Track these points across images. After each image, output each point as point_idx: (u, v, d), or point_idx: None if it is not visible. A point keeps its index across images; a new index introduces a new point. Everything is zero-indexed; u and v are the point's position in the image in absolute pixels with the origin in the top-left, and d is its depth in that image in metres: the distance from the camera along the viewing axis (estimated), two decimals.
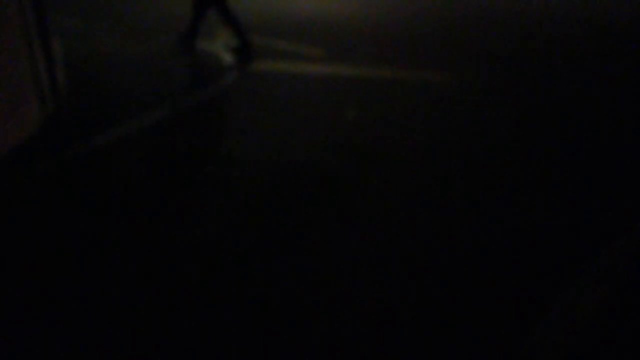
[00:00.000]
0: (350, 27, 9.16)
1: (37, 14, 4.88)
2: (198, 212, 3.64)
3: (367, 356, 2.43)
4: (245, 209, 3.69)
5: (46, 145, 4.60)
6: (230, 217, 3.59)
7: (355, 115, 5.32)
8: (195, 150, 4.58)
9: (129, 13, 10.69)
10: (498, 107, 5.62)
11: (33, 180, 4.06)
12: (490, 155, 4.52)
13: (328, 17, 10.02)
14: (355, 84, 6.35)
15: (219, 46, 7.84)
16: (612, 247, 3.23)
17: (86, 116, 5.28)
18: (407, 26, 9.28)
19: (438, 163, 4.37)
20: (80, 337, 2.53)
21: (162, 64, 7.09)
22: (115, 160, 4.40)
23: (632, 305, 2.74)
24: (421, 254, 3.20)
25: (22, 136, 4.60)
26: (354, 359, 2.41)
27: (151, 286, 2.91)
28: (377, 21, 9.73)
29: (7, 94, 4.43)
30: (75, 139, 4.68)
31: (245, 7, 11.22)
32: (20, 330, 2.56)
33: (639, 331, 2.56)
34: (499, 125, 5.15)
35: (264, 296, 2.83)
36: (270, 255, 3.19)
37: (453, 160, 4.42)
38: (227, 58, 7.16)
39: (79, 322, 2.63)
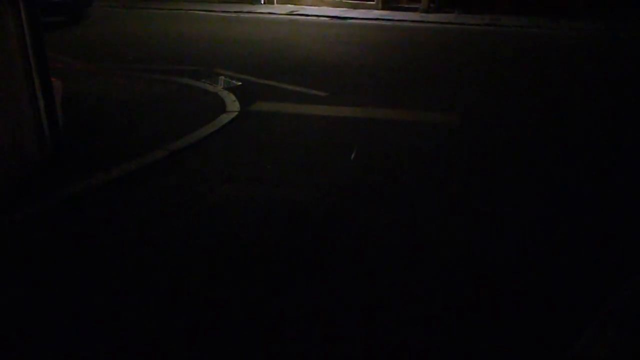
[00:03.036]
0: (352, 70, 9.21)
1: (38, 55, 4.87)
2: (192, 256, 3.54)
3: None
4: (244, 251, 3.58)
5: (43, 185, 4.52)
6: (227, 259, 3.49)
7: (357, 156, 5.26)
8: (192, 192, 4.51)
9: (132, 54, 10.79)
10: (501, 151, 5.57)
11: (27, 222, 3.97)
12: (493, 210, 4.44)
13: (330, 59, 10.09)
14: (357, 124, 6.33)
15: (220, 86, 7.86)
16: (624, 290, 3.11)
17: (84, 156, 5.23)
18: (410, 69, 9.33)
19: (441, 204, 4.28)
20: None
21: (162, 104, 7.09)
22: (111, 203, 4.32)
23: None
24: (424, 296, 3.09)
25: (21, 175, 4.53)
26: None
27: (142, 336, 2.80)
28: (379, 64, 9.79)
29: (7, 133, 4.38)
30: (72, 179, 4.61)
31: (249, 48, 11.34)
32: None
33: None
34: (502, 172, 5.09)
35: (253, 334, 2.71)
36: (269, 295, 3.08)
37: (455, 205, 4.34)
38: (229, 98, 7.16)
39: None
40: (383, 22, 15.55)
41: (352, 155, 5.26)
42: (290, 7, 18.65)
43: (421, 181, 4.72)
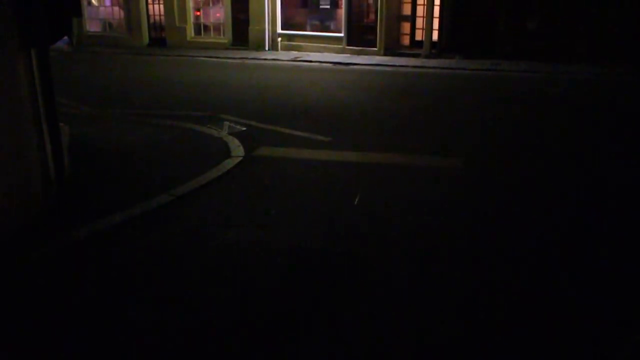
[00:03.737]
0: (355, 114, 9.32)
1: (47, 101, 4.96)
2: (197, 302, 3.52)
3: None
4: (249, 298, 3.56)
5: (48, 229, 4.54)
6: (231, 306, 3.46)
7: (360, 201, 5.27)
8: (196, 237, 4.51)
9: (138, 99, 10.95)
10: (505, 198, 5.57)
11: (30, 266, 3.96)
12: (497, 258, 4.42)
13: (333, 104, 10.22)
14: (360, 169, 6.36)
15: (224, 131, 7.94)
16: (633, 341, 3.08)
17: (89, 201, 5.25)
18: (412, 113, 9.43)
19: (445, 251, 4.26)
20: None
21: (167, 149, 7.15)
22: (115, 248, 4.32)
23: None
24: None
25: (26, 219, 4.55)
26: None
27: None
28: (382, 109, 9.91)
29: (14, 177, 4.42)
30: (76, 224, 4.62)
31: (253, 94, 11.50)
32: None
33: None
34: (507, 220, 5.08)
35: None
36: (276, 341, 3.04)
37: (459, 254, 4.32)
38: (233, 143, 7.22)
39: None
40: (385, 68, 15.80)
41: (356, 200, 5.27)
42: (294, 54, 19.00)
43: (425, 228, 4.70)
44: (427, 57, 16.97)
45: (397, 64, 16.17)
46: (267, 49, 20.29)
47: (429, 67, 15.54)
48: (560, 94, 11.65)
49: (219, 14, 22.14)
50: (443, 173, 6.18)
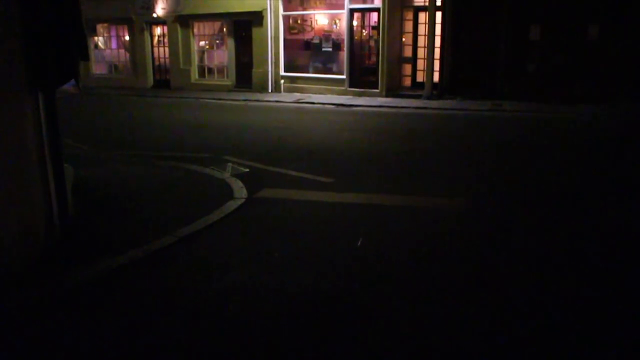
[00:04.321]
0: (357, 156, 9.36)
1: (53, 143, 5.01)
2: (198, 347, 3.47)
3: None
4: (252, 342, 3.52)
5: (51, 271, 4.51)
6: (231, 352, 3.42)
7: (363, 243, 5.25)
8: (199, 280, 4.48)
9: (141, 140, 11.03)
10: (509, 241, 5.55)
11: (32, 309, 3.93)
12: (499, 296, 4.38)
13: (336, 146, 10.28)
14: (363, 211, 6.35)
15: (227, 172, 7.97)
16: None
17: (92, 242, 5.24)
18: (414, 154, 9.47)
19: (447, 296, 4.22)
20: None
21: (170, 190, 7.18)
22: (116, 291, 4.29)
23: None
24: None
25: (29, 260, 4.53)
26: None
27: None
28: (384, 150, 9.96)
29: (17, 218, 4.43)
30: (78, 266, 4.61)
31: (256, 135, 11.59)
32: None
33: None
34: (513, 265, 5.05)
35: None
36: None
37: (463, 298, 4.28)
38: (236, 185, 7.24)
39: None
40: (387, 109, 15.95)
41: (359, 243, 5.25)
42: (297, 96, 19.22)
43: (428, 273, 4.67)
44: (429, 98, 17.14)
45: (399, 105, 16.33)
46: (270, 90, 20.54)
47: (431, 108, 15.68)
48: (561, 134, 11.71)
49: (223, 56, 22.50)
50: (447, 215, 6.16)
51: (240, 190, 6.99)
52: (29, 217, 4.63)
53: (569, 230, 5.63)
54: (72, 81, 5.30)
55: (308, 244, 5.27)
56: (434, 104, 16.28)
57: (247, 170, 8.21)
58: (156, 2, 23.11)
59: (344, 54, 19.09)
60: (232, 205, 6.40)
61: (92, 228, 5.65)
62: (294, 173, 8.02)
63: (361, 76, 19.02)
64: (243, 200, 6.63)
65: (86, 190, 6.89)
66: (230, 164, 8.50)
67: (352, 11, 18.80)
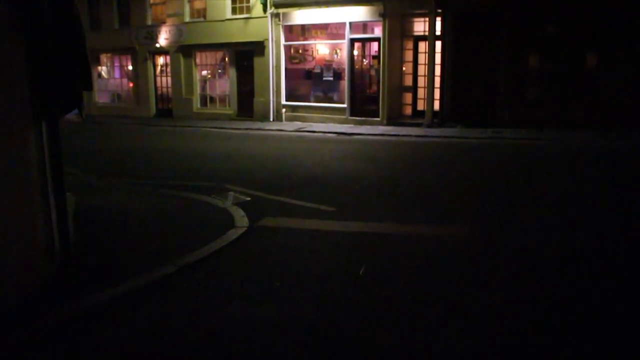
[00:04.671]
0: (359, 184, 9.36)
1: (55, 171, 5.02)
2: None
3: None
4: None
5: (51, 300, 4.49)
6: None
7: (366, 272, 5.23)
8: (200, 309, 4.45)
9: (143, 169, 11.07)
10: (514, 270, 5.52)
11: (32, 338, 3.90)
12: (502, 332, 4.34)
13: (337, 174, 10.30)
14: (365, 239, 6.34)
15: (229, 201, 7.98)
16: None
17: (93, 271, 5.23)
18: (416, 183, 9.47)
19: (449, 329, 4.19)
20: None
21: (172, 219, 7.18)
22: (117, 320, 4.26)
23: None
24: None
25: (29, 289, 4.51)
26: None
27: None
28: (385, 178, 9.98)
29: (18, 247, 4.42)
30: (79, 295, 4.58)
31: (258, 164, 11.62)
32: None
33: None
34: (518, 296, 5.02)
35: None
36: None
37: (466, 329, 4.25)
38: (237, 213, 7.24)
39: None
40: (388, 138, 16.01)
41: (362, 271, 5.23)
42: (298, 124, 19.32)
43: (430, 303, 4.64)
44: (429, 126, 17.22)
45: (400, 133, 16.39)
46: (271, 119, 20.66)
47: (432, 137, 15.74)
48: (561, 161, 11.72)
49: (225, 86, 22.70)
50: (449, 243, 6.14)
51: (241, 219, 6.99)
52: (30, 245, 4.63)
53: (570, 258, 5.60)
54: (76, 110, 5.35)
55: (310, 273, 5.24)
56: (434, 132, 16.34)
57: (249, 198, 8.21)
58: (159, 32, 23.41)
59: (345, 83, 19.25)
60: (233, 234, 6.39)
61: (93, 256, 5.64)
62: (295, 202, 8.02)
63: (362, 105, 19.14)
64: (244, 229, 6.62)
65: (88, 219, 6.89)
66: (231, 193, 8.51)
67: (352, 41, 19.02)
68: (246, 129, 18.85)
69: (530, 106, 16.62)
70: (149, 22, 23.98)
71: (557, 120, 15.90)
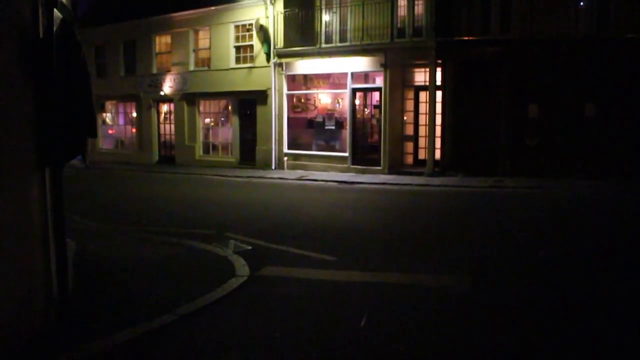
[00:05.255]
0: (360, 233, 9.32)
1: (57, 219, 5.02)
2: None
3: None
4: None
5: (47, 347, 4.41)
6: None
7: (367, 322, 5.15)
8: (199, 359, 4.37)
9: (144, 215, 11.04)
10: (517, 324, 5.44)
11: None
12: None
13: (339, 223, 10.27)
14: (366, 289, 6.26)
15: (230, 250, 7.93)
16: None
17: (91, 319, 5.15)
18: (418, 232, 9.43)
19: None
20: None
21: (171, 267, 7.12)
22: None
23: None
24: None
25: (26, 337, 4.44)
26: None
27: None
28: (387, 227, 9.94)
29: (17, 294, 4.37)
30: (76, 343, 4.51)
31: (259, 212, 11.61)
32: None
33: None
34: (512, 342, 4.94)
35: None
36: None
37: None
38: (238, 262, 7.19)
39: None
40: (390, 187, 16.04)
41: (363, 322, 5.15)
42: (300, 173, 19.39)
43: (432, 356, 4.56)
44: (431, 175, 17.27)
45: (401, 182, 16.43)
46: (273, 167, 20.76)
47: (433, 186, 15.77)
48: (561, 210, 11.70)
49: (227, 133, 22.90)
50: (451, 294, 6.06)
51: (242, 268, 6.93)
52: (29, 293, 4.57)
53: (571, 312, 5.52)
54: (79, 156, 5.38)
55: (310, 323, 5.16)
56: (436, 181, 16.38)
57: (250, 247, 8.16)
58: (164, 80, 23.79)
59: (347, 132, 19.42)
60: (233, 283, 6.32)
61: (91, 304, 5.57)
62: (296, 251, 7.97)
63: (364, 154, 19.27)
64: (245, 278, 6.56)
65: (87, 266, 6.84)
66: (232, 241, 8.47)
67: (354, 90, 19.29)
68: (248, 177, 18.90)
69: (531, 155, 16.73)
70: (154, 71, 24.40)
71: (558, 169, 15.99)
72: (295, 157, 20.57)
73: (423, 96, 18.38)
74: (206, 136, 23.79)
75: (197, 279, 6.53)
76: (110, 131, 27.29)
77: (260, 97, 20.96)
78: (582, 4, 16.50)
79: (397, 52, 18.00)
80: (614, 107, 15.86)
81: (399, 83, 18.62)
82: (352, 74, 19.14)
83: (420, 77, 18.54)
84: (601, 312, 5.47)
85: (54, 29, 4.80)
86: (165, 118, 24.99)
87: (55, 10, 4.83)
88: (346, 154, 19.41)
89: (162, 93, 23.89)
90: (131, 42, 25.08)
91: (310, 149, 20.44)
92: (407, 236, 9.20)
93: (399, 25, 18.47)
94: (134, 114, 25.85)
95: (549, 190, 14.27)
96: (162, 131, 25.04)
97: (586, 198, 13.12)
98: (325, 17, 20.02)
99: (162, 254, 7.72)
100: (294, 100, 21.10)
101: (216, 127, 23.67)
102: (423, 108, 18.39)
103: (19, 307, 4.38)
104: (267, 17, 20.34)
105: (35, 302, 4.68)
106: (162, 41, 24.45)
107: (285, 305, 5.70)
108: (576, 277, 6.72)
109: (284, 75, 20.55)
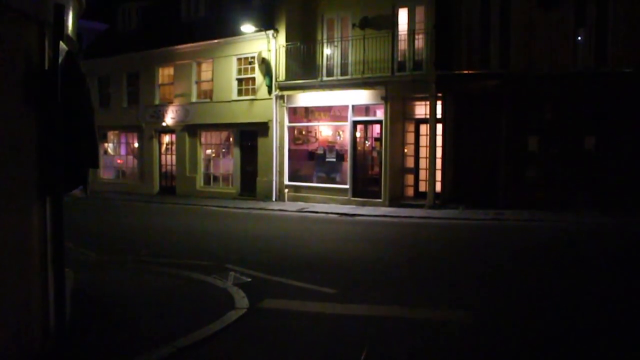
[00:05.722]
0: (361, 266, 9.27)
1: (56, 248, 5.00)
2: None
3: None
4: None
5: None
6: None
7: (366, 357, 5.08)
8: None
9: (144, 246, 11.00)
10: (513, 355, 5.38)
11: None
12: None
13: (339, 255, 10.22)
14: (366, 323, 6.20)
15: (230, 282, 7.88)
16: None
17: (88, 350, 5.10)
18: (419, 265, 9.39)
19: None
20: None
21: (170, 299, 7.07)
22: None
23: None
24: None
25: None
26: None
27: None
28: (387, 260, 9.90)
29: (13, 323, 4.33)
30: None
31: (259, 244, 11.57)
32: None
33: None
34: None
35: None
36: None
37: None
38: (238, 294, 7.14)
39: None
40: (390, 219, 16.01)
41: (362, 357, 5.09)
42: (300, 205, 19.37)
43: None
44: (431, 207, 17.24)
45: (402, 214, 16.40)
46: (274, 199, 20.74)
47: (434, 218, 15.73)
48: (561, 243, 11.65)
49: (228, 165, 22.96)
50: (452, 327, 6.01)
51: (241, 300, 6.88)
52: (25, 323, 4.53)
53: (576, 344, 5.46)
54: (80, 186, 5.39)
55: (309, 357, 5.11)
56: (436, 213, 16.35)
57: (250, 279, 8.12)
58: (166, 111, 23.95)
59: (348, 164, 19.46)
60: (233, 315, 6.28)
61: (88, 336, 5.52)
62: (296, 283, 7.92)
63: (364, 186, 19.27)
64: (244, 310, 6.51)
65: (85, 296, 6.79)
66: (232, 273, 8.42)
67: (355, 123, 19.39)
68: (248, 208, 18.89)
69: (531, 188, 16.74)
70: (157, 102, 24.59)
71: (558, 202, 15.97)
72: (296, 188, 20.58)
73: (424, 129, 18.47)
74: (207, 167, 23.84)
75: (196, 311, 6.48)
76: (111, 161, 27.38)
77: (262, 128, 21.08)
78: (580, 38, 16.71)
79: (397, 85, 18.16)
80: (614, 140, 15.92)
81: (400, 116, 18.74)
82: (353, 106, 19.27)
83: (421, 109, 18.67)
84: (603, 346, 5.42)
85: (60, 60, 4.86)
86: (166, 149, 25.09)
87: (61, 42, 4.90)
88: (347, 186, 19.41)
89: (164, 124, 24.04)
90: (135, 74, 25.35)
91: (311, 181, 20.45)
92: (408, 269, 9.15)
93: (399, 58, 18.68)
94: (136, 145, 25.96)
95: (550, 223, 14.23)
96: (163, 162, 25.11)
97: (586, 231, 13.08)
98: (327, 51, 20.27)
99: (161, 285, 7.67)
100: (295, 132, 21.20)
101: (217, 158, 23.75)
102: (424, 140, 18.47)
103: (15, 338, 4.34)
104: (269, 50, 20.59)
105: (32, 333, 4.63)
106: (165, 73, 24.70)
107: (284, 339, 5.65)
108: (581, 310, 6.66)
109: (285, 108, 20.69)
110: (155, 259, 9.61)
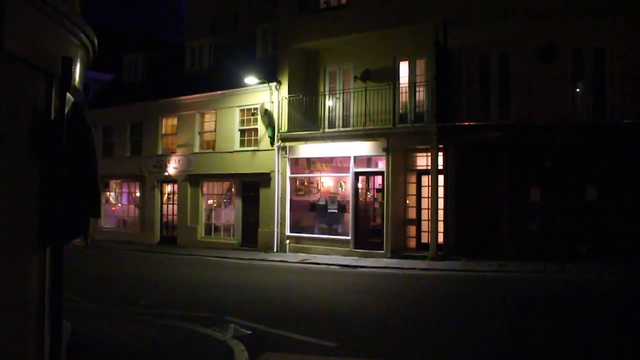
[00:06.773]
0: (362, 319, 9.13)
1: (54, 298, 4.92)
2: None
3: None
4: None
5: None
6: None
7: None
8: None
9: (143, 298, 10.87)
10: None
11: None
12: None
13: (340, 308, 10.08)
14: None
15: (229, 334, 7.75)
16: None
17: None
18: (421, 318, 9.24)
19: None
20: None
21: (169, 352, 6.93)
22: None
23: None
24: None
25: None
26: None
27: None
28: (389, 313, 9.75)
29: None
30: None
31: (260, 296, 11.43)
32: None
33: None
34: None
35: None
36: None
37: None
38: (237, 347, 7.00)
39: None
40: (392, 271, 15.85)
41: None
42: (302, 256, 19.23)
43: None
44: (434, 259, 17.09)
45: (404, 266, 16.25)
46: (275, 250, 20.61)
47: (436, 270, 15.58)
48: (566, 295, 11.48)
49: (230, 215, 22.92)
50: None
51: (241, 354, 6.75)
52: None
53: None
54: (80, 234, 5.35)
55: None
56: (439, 265, 16.20)
57: (250, 332, 7.99)
58: (169, 161, 24.10)
59: (349, 216, 19.41)
60: None
61: None
62: (297, 336, 7.78)
63: (366, 237, 19.16)
64: None
65: (82, 348, 6.66)
66: (232, 325, 8.29)
67: (357, 174, 19.46)
68: (250, 259, 18.75)
69: (534, 239, 16.64)
70: (160, 152, 24.77)
71: (561, 253, 15.84)
72: (298, 239, 20.47)
73: (425, 180, 18.52)
74: (209, 217, 23.80)
75: None
76: (112, 210, 27.37)
77: (264, 179, 21.14)
78: (578, 90, 16.95)
79: (399, 137, 18.30)
80: (616, 190, 15.92)
81: (401, 167, 18.83)
82: (355, 157, 19.38)
83: (422, 161, 18.77)
84: None
85: (65, 111, 4.90)
86: (168, 198, 25.12)
87: (67, 93, 4.95)
88: (348, 237, 19.31)
89: (166, 174, 24.14)
90: (138, 123, 25.65)
91: (313, 232, 20.36)
92: (410, 321, 9.00)
93: (400, 110, 18.91)
94: (138, 194, 26.00)
95: (553, 275, 14.07)
96: (164, 211, 25.09)
97: (590, 284, 12.92)
98: (329, 103, 20.54)
99: (159, 338, 7.54)
100: (297, 183, 21.26)
101: (219, 208, 23.73)
102: (425, 192, 18.50)
103: None
104: (272, 102, 20.85)
105: None
106: (168, 123, 24.99)
107: None
108: None
109: (287, 159, 20.81)
110: (155, 310, 9.48)
